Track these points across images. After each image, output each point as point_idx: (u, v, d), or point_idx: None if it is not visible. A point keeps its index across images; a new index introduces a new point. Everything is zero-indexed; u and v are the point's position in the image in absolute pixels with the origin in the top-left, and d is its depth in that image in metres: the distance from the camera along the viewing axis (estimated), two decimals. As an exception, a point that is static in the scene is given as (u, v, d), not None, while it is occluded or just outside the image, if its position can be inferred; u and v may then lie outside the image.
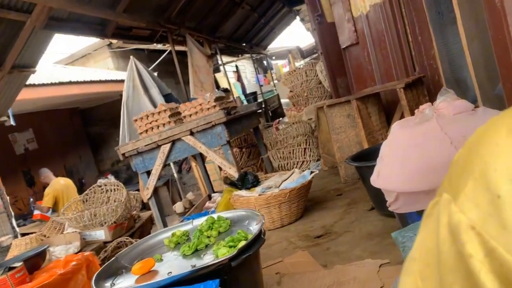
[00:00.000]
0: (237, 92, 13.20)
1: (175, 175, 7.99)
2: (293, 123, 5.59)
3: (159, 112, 3.95)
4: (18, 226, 5.87)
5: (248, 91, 14.26)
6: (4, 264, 2.64)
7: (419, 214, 1.91)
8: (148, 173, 4.01)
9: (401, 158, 1.97)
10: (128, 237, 3.53)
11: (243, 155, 5.73)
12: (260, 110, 5.67)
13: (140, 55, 9.29)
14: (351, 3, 4.63)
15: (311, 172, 3.39)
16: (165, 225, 4.03)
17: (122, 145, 4.01)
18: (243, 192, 3.35)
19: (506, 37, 2.19)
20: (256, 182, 3.57)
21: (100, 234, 3.57)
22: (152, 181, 3.97)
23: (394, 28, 4.01)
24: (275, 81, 15.84)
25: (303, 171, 3.54)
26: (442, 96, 2.14)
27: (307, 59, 16.14)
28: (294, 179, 3.41)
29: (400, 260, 2.08)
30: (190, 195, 6.96)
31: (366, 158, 2.94)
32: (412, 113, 2.75)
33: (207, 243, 2.02)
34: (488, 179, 0.32)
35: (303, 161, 5.28)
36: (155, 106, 5.39)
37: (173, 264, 1.90)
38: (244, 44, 12.34)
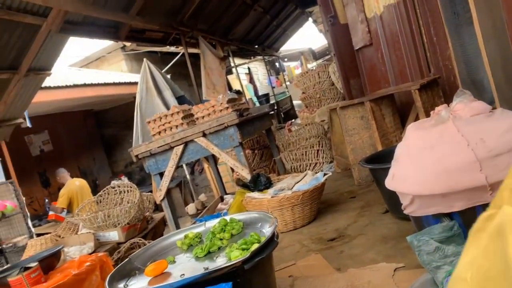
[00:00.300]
0: (249, 94, 13.21)
1: (188, 176, 8.03)
2: (306, 125, 5.57)
3: (172, 114, 3.97)
4: (34, 226, 5.96)
5: (260, 93, 14.27)
6: (19, 264, 2.67)
7: (435, 217, 1.88)
8: (161, 174, 4.02)
9: (417, 160, 1.93)
10: (141, 238, 3.55)
11: (255, 156, 5.72)
12: (272, 112, 5.66)
13: (153, 57, 9.37)
14: (365, 4, 4.59)
15: (324, 174, 3.37)
16: (177, 226, 4.04)
17: (136, 147, 4.03)
18: (255, 194, 3.34)
19: (525, 37, 2.14)
20: (268, 184, 3.56)
21: (114, 235, 3.60)
22: (165, 183, 3.99)
23: (408, 29, 3.97)
24: (287, 83, 15.82)
25: (316, 173, 3.52)
26: (459, 98, 2.09)
27: (319, 61, 16.10)
28: (307, 181, 3.39)
29: (415, 264, 2.05)
30: (202, 197, 6.99)
31: (380, 160, 2.91)
32: (427, 115, 2.72)
33: (220, 245, 2.02)
34: None
35: (316, 163, 5.25)
36: (168, 108, 5.42)
37: (186, 266, 1.90)
38: (257, 46, 12.35)
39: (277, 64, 18.54)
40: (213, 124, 3.77)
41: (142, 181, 10.03)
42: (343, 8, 4.94)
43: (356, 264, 2.30)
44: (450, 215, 1.82)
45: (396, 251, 2.32)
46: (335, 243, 2.74)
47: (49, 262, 2.67)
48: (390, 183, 2.11)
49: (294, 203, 3.14)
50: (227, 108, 3.87)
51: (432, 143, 1.92)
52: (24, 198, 5.75)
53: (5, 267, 3.09)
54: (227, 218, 2.27)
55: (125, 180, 7.62)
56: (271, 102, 12.16)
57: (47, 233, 4.13)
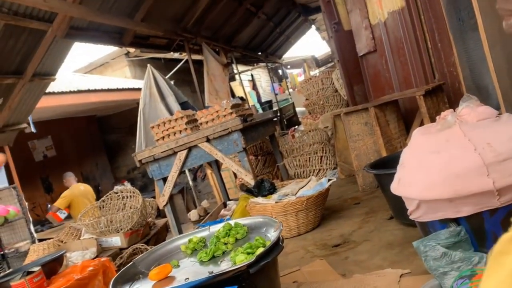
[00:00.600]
0: (252, 100, 13.24)
1: (190, 183, 8.00)
2: (309, 131, 5.56)
3: (176, 119, 3.97)
4: (36, 231, 5.94)
5: (263, 100, 14.29)
6: (22, 269, 2.66)
7: (442, 222, 1.86)
8: (164, 179, 4.01)
9: (423, 165, 1.92)
10: (143, 244, 3.53)
11: (258, 162, 5.71)
12: (275, 118, 5.65)
13: (156, 64, 9.41)
14: (369, 10, 4.60)
15: (329, 180, 3.35)
16: (180, 232, 4.02)
17: (139, 152, 4.03)
18: (259, 199, 3.32)
19: (531, 42, 2.14)
20: (272, 190, 3.54)
21: (116, 241, 3.59)
22: (168, 188, 3.98)
23: (413, 35, 3.97)
24: (290, 90, 15.84)
25: (320, 179, 3.50)
26: (465, 102, 2.08)
27: (322, 68, 16.13)
28: (311, 186, 3.37)
29: (421, 270, 2.02)
30: (205, 203, 6.95)
31: (385, 166, 2.89)
32: (432, 121, 2.70)
33: (224, 249, 2.00)
34: None
35: (319, 169, 5.23)
36: (171, 113, 5.43)
37: (190, 270, 1.88)
38: (260, 53, 12.39)
39: (280, 71, 18.59)
40: (217, 129, 3.77)
41: (144, 187, 10.02)
42: (347, 15, 4.95)
43: (362, 270, 2.28)
44: (456, 220, 1.81)
45: (402, 257, 2.29)
46: (340, 249, 2.72)
47: (52, 267, 2.66)
48: (396, 188, 2.09)
49: (299, 208, 3.13)
50: (231, 113, 3.86)
51: (438, 147, 1.90)
52: (26, 203, 5.74)
53: (8, 271, 3.08)
54: (232, 222, 2.25)
55: (128, 185, 7.62)
56: (274, 109, 12.18)
57: (49, 238, 4.12)
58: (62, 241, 3.80)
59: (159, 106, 5.79)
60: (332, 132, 4.99)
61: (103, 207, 4.08)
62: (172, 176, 3.96)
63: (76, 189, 6.41)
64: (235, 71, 11.28)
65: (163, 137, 4.01)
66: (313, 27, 14.93)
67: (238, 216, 3.37)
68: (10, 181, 5.89)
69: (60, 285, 2.27)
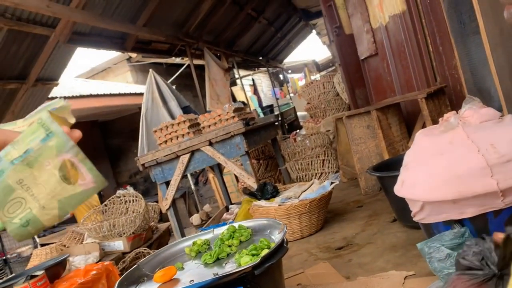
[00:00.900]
0: (253, 105, 13.26)
1: (192, 187, 8.00)
2: (311, 134, 5.57)
3: (178, 123, 3.98)
4: (38, 236, 5.94)
5: (264, 104, 14.32)
6: (26, 273, 2.66)
7: (446, 224, 1.87)
8: (167, 183, 4.02)
9: (427, 167, 1.92)
10: (146, 248, 3.53)
11: (260, 166, 5.71)
12: (277, 122, 5.66)
13: (158, 69, 9.44)
14: (370, 14, 4.62)
15: (331, 183, 3.35)
16: (183, 236, 4.02)
17: (142, 156, 4.04)
18: (262, 202, 3.32)
19: (533, 44, 2.15)
20: (275, 193, 3.54)
21: (119, 245, 3.58)
22: (171, 192, 3.98)
23: (414, 38, 3.98)
24: (291, 94, 15.86)
25: (323, 182, 3.50)
26: (468, 104, 2.09)
27: (323, 73, 16.17)
28: (314, 189, 3.37)
29: (426, 272, 2.02)
30: (207, 207, 6.96)
31: (387, 169, 2.89)
32: (434, 123, 2.70)
33: (229, 252, 2.00)
34: None
35: (321, 173, 5.23)
36: (173, 118, 5.44)
37: (195, 273, 1.88)
38: (261, 58, 12.44)
39: (281, 75, 18.64)
40: (219, 133, 3.78)
41: (147, 192, 10.01)
42: (348, 19, 4.98)
43: (365, 273, 2.28)
44: (461, 222, 1.81)
45: (406, 259, 2.29)
46: (343, 252, 2.72)
47: (55, 271, 2.67)
48: (400, 190, 2.09)
49: (302, 211, 3.13)
50: (234, 117, 3.88)
51: (442, 149, 1.91)
52: (29, 208, 5.73)
53: (11, 275, 3.08)
54: (236, 225, 2.25)
55: (130, 189, 7.62)
56: (275, 113, 12.20)
57: (52, 243, 4.12)
58: (64, 246, 3.80)
59: (161, 110, 5.82)
60: (334, 136, 5.00)
61: (106, 211, 4.09)
62: (175, 180, 3.96)
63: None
64: (236, 75, 11.32)
65: (166, 141, 4.02)
66: (314, 31, 15.00)
67: (241, 219, 3.37)
68: (13, 186, 5.89)
69: (64, 289, 2.27)
